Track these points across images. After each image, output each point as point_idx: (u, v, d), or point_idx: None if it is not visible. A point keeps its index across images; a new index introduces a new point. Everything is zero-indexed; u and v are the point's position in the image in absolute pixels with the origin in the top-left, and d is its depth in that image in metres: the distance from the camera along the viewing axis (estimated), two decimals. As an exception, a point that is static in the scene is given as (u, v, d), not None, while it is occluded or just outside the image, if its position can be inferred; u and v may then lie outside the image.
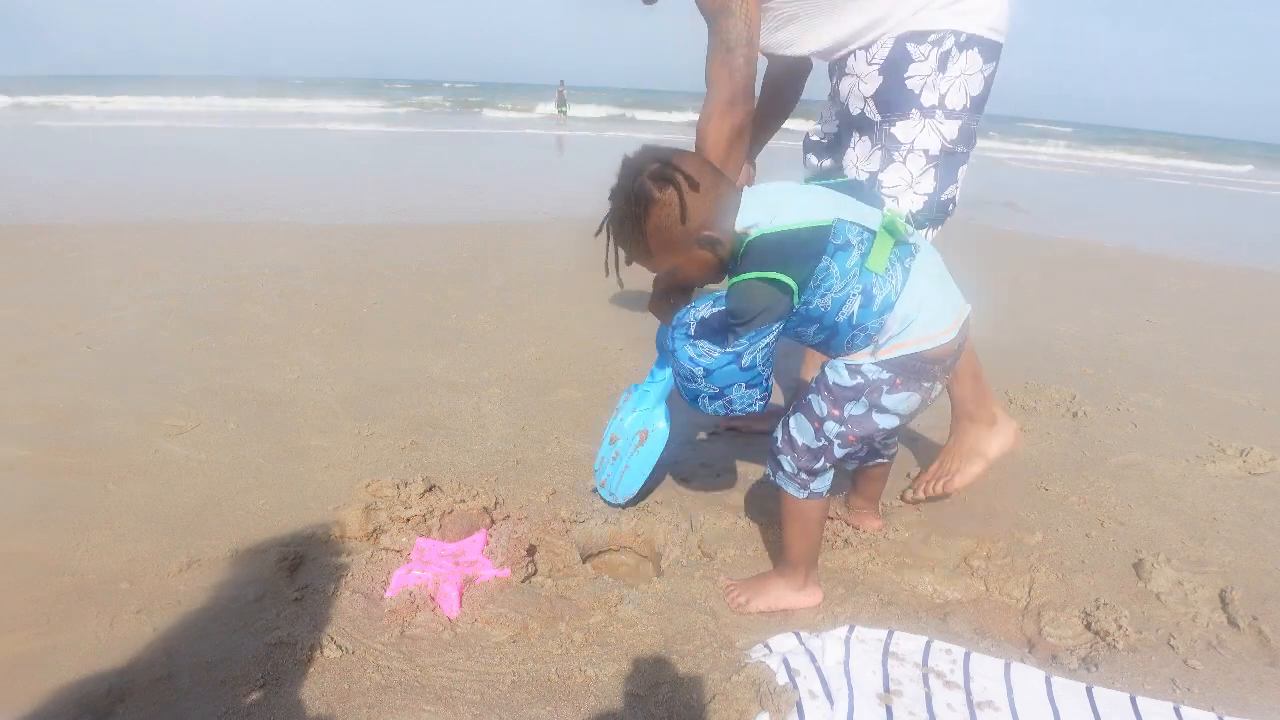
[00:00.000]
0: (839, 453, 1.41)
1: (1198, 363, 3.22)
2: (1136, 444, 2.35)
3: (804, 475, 1.43)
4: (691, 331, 1.40)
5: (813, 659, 1.35)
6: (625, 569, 1.75)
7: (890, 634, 1.42)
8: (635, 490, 1.80)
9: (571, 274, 4.15)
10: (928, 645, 1.39)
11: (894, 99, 1.67)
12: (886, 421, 1.38)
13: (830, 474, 1.47)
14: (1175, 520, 1.91)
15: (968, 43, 1.63)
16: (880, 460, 1.70)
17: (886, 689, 1.29)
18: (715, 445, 2.21)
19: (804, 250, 1.24)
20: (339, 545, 1.66)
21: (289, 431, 2.19)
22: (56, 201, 5.77)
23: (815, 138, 2.01)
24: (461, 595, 1.48)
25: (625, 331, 3.21)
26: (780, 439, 1.45)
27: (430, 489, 1.86)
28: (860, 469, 1.72)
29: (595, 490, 1.86)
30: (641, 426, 1.77)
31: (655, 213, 1.30)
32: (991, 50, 1.67)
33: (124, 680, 1.26)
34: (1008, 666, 1.35)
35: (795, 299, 1.25)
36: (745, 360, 1.32)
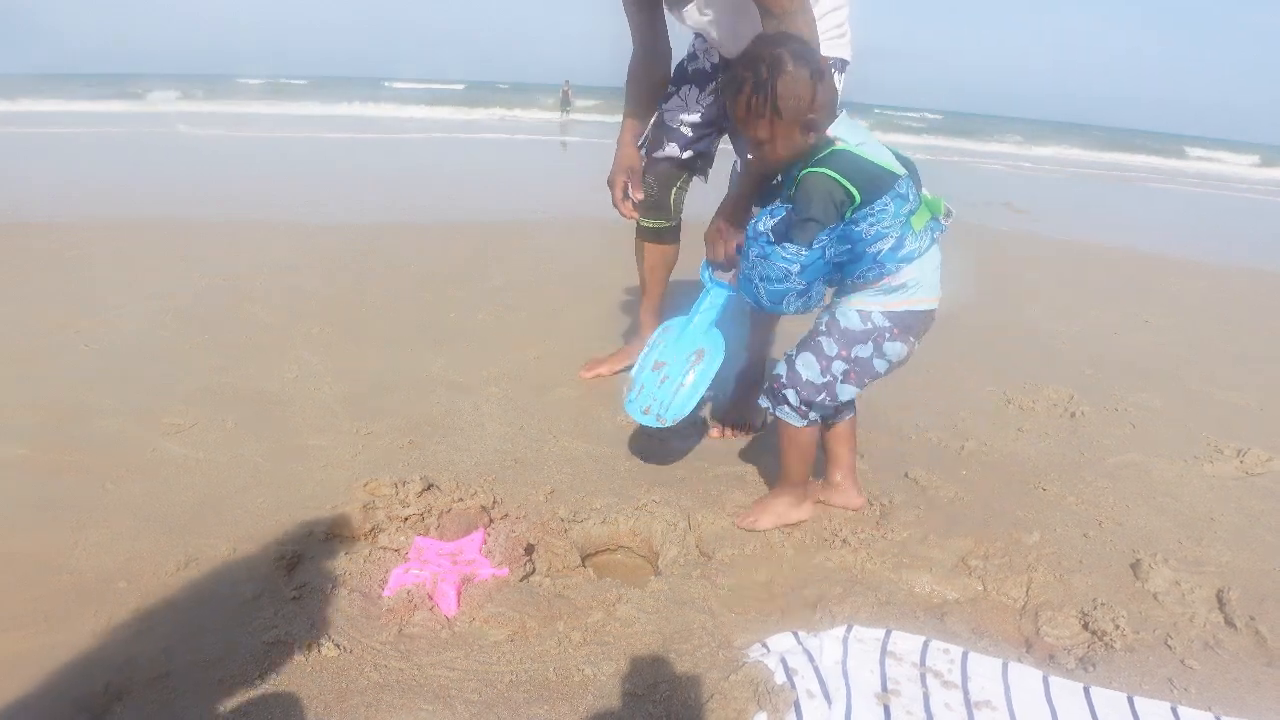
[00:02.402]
0: (839, 390, 1.66)
1: (1196, 363, 3.22)
2: (1134, 444, 2.35)
3: (804, 407, 1.68)
4: (772, 239, 1.55)
5: (810, 658, 1.35)
6: (623, 568, 1.75)
7: (888, 633, 1.42)
8: (689, 410, 1.79)
9: (571, 274, 4.15)
10: (925, 645, 1.40)
11: None
12: (881, 365, 1.65)
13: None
14: (1173, 520, 1.91)
15: (843, 66, 2.04)
16: (846, 415, 1.81)
17: (884, 688, 1.29)
18: (713, 445, 2.21)
19: (875, 180, 1.50)
20: (337, 544, 1.66)
21: (287, 430, 2.20)
22: (56, 201, 5.77)
23: (686, 130, 2.27)
24: (459, 594, 1.48)
25: (625, 331, 3.21)
26: (785, 376, 1.68)
27: (428, 488, 1.86)
28: (829, 433, 1.81)
29: (639, 419, 1.85)
30: (696, 346, 1.83)
31: (784, 80, 1.47)
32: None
33: (121, 678, 1.26)
34: (1005, 666, 1.35)
35: (850, 211, 1.49)
36: (828, 254, 1.51)
